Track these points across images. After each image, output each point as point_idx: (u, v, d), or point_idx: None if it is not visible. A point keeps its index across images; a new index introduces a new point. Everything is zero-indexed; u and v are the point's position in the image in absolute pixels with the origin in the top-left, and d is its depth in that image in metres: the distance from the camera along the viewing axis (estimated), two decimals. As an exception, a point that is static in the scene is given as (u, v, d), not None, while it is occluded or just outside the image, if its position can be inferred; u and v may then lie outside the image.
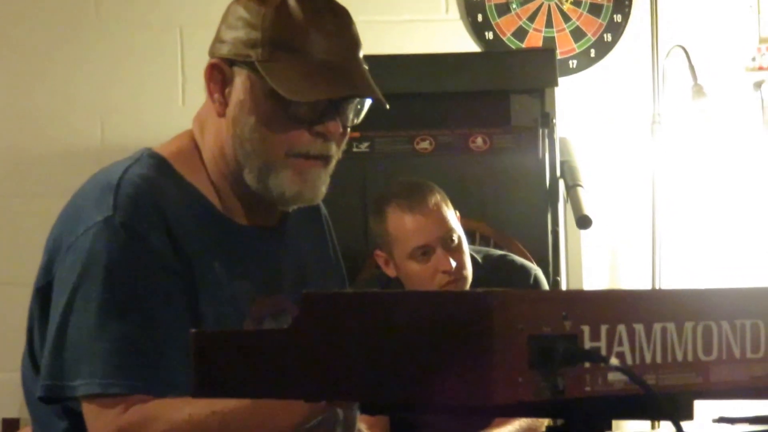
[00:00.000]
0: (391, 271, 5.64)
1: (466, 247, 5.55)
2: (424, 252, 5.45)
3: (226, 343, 2.33)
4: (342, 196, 5.42)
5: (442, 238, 5.44)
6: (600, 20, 7.03)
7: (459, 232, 5.50)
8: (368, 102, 3.33)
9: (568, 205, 6.49)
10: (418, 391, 2.03)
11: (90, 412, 3.14)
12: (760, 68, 6.93)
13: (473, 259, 5.65)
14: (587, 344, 2.00)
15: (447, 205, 5.51)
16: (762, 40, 7.02)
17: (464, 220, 5.71)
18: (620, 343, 2.09)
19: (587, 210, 6.19)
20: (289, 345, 2.14)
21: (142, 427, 3.12)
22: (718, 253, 6.92)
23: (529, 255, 6.11)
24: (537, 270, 5.98)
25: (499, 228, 6.24)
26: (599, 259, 6.83)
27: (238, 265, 3.35)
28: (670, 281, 6.94)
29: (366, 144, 6.16)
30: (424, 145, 6.34)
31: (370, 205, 5.83)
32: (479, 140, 6.30)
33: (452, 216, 5.50)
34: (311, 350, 2.11)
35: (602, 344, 2.07)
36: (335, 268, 3.86)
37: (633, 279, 7.04)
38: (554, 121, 6.40)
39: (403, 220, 5.47)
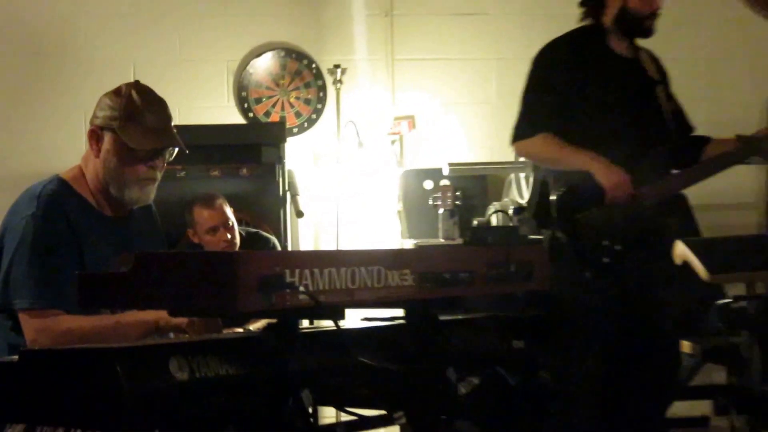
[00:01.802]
0: (197, 241, 5.84)
1: (236, 227, 5.86)
2: (214, 230, 5.73)
3: (96, 279, 2.63)
4: (170, 201, 5.56)
5: (223, 222, 5.74)
6: (310, 107, 7.06)
7: (233, 219, 5.81)
8: (177, 150, 3.70)
9: (292, 206, 6.44)
10: (202, 305, 2.32)
11: (23, 318, 3.46)
12: (394, 133, 7.00)
13: (240, 234, 5.92)
14: (288, 279, 2.30)
15: (226, 205, 5.81)
16: (396, 118, 7.06)
17: (236, 212, 5.93)
18: (307, 279, 2.37)
19: (302, 208, 6.34)
20: (130, 280, 2.41)
21: (51, 328, 3.43)
22: (370, 236, 6.98)
23: (271, 231, 6.24)
24: (275, 240, 6.18)
25: (255, 217, 6.37)
26: (308, 235, 6.85)
27: (106, 238, 3.65)
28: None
29: (183, 172, 6.16)
30: (215, 173, 6.37)
31: (185, 205, 5.96)
32: (244, 170, 6.32)
33: (229, 211, 5.81)
34: (142, 283, 2.37)
35: (296, 279, 2.35)
36: (161, 239, 4.18)
37: (327, 247, 6.95)
38: (285, 160, 6.46)
39: (203, 213, 5.78)
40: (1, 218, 3.71)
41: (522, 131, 4.58)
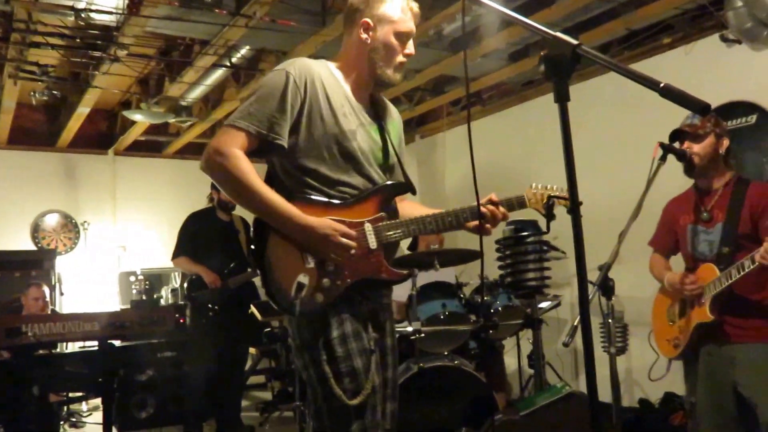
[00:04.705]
0: (24, 303, 4.78)
1: (47, 299, 4.84)
2: (36, 299, 4.75)
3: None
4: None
5: (42, 297, 4.76)
6: (71, 242, 6.43)
7: (47, 295, 4.81)
8: None
9: (60, 290, 5.96)
10: None
11: None
12: (116, 254, 6.66)
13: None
14: (23, 330, 2.15)
15: (43, 288, 4.82)
16: (118, 245, 6.61)
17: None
18: (35, 329, 2.23)
19: (64, 290, 5.86)
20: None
21: None
22: (104, 304, 6.36)
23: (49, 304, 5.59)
24: (54, 308, 5.45)
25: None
26: (68, 305, 6.00)
27: None
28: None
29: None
30: (17, 275, 5.51)
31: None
32: (33, 272, 5.60)
33: (46, 290, 4.84)
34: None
35: (28, 330, 2.22)
36: None
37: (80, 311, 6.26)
38: (56, 267, 5.78)
39: (31, 289, 4.77)
40: None
41: (174, 254, 4.55)
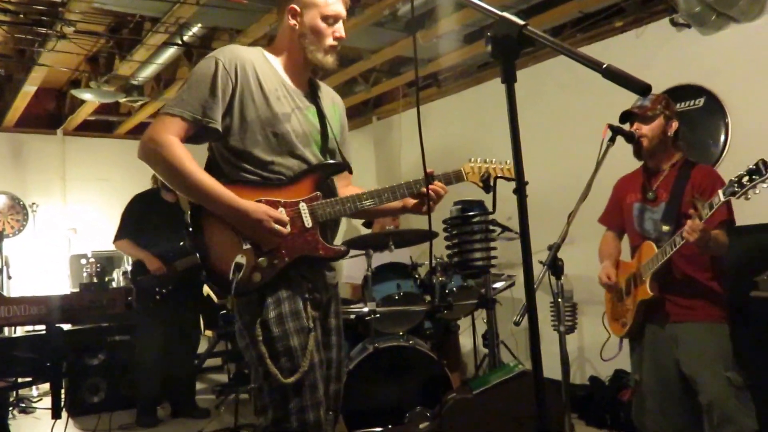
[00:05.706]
0: None
1: None
2: None
3: None
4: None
5: None
6: (19, 224, 6.20)
7: None
8: None
9: (7, 274, 5.78)
10: None
11: None
12: (66, 236, 6.42)
13: None
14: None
15: None
16: (68, 228, 6.39)
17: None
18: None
19: (12, 275, 5.67)
20: None
21: None
22: (54, 287, 6.25)
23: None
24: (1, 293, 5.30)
25: None
26: (17, 289, 5.76)
27: None
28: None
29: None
30: None
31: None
32: None
33: None
34: None
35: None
36: None
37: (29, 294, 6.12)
38: (3, 250, 5.61)
39: None
40: None
41: (116, 237, 4.46)
